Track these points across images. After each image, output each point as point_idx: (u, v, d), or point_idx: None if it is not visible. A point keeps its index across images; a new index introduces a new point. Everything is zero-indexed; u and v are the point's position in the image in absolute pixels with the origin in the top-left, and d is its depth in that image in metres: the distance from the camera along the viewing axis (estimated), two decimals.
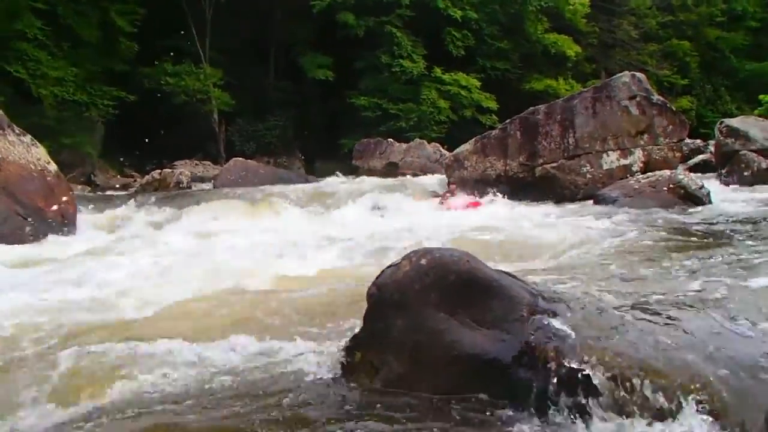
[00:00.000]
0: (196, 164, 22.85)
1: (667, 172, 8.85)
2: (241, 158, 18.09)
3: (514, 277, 2.46)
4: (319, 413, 2.15)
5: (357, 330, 2.49)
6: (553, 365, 2.03)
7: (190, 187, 15.23)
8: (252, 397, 2.34)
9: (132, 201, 10.75)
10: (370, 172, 19.36)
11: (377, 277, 2.42)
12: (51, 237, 7.34)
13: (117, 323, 3.38)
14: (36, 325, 3.35)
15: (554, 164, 10.72)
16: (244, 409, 2.23)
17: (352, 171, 21.21)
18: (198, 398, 2.34)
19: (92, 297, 4.08)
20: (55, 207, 7.91)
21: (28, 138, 8.15)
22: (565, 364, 2.01)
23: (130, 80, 21.03)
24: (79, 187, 16.36)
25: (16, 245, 6.76)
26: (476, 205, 9.82)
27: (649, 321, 2.28)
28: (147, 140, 20.21)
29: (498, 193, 10.28)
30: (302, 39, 26.31)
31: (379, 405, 2.17)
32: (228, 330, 3.03)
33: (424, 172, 17.64)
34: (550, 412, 1.98)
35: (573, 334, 2.15)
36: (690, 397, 1.80)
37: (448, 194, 10.66)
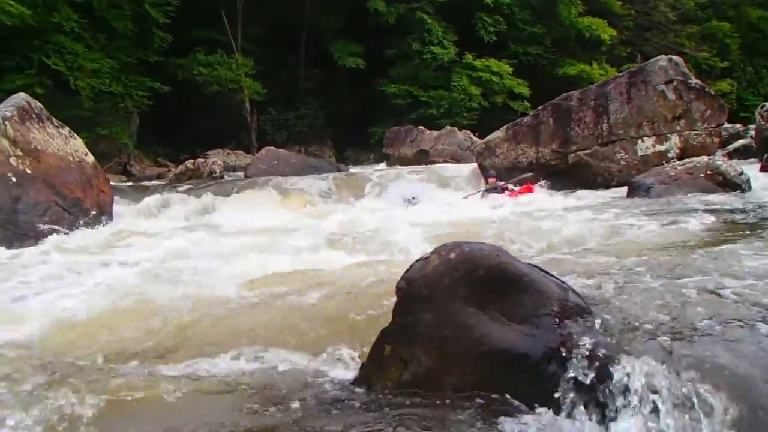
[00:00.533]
0: (229, 153, 23.12)
1: (704, 158, 8.60)
2: (272, 147, 18.24)
3: (544, 271, 2.42)
4: (346, 407, 2.17)
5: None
6: (584, 362, 2.00)
7: (222, 177, 15.42)
8: (280, 391, 2.37)
9: (166, 191, 10.95)
10: (401, 160, 19.34)
11: (406, 271, 2.41)
12: (88, 227, 7.50)
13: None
14: None
15: (588, 151, 10.55)
16: (273, 406, 2.26)
17: (383, 159, 21.23)
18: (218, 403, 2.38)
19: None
20: (92, 197, 8.11)
21: (66, 130, 8.35)
22: (597, 361, 1.98)
23: (163, 71, 21.31)
24: (116, 177, 16.70)
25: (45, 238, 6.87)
26: (513, 194, 9.69)
27: (688, 318, 2.23)
28: (180, 130, 20.36)
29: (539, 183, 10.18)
30: (333, 27, 26.31)
31: (406, 400, 2.18)
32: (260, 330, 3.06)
33: (455, 160, 17.54)
34: (581, 409, 1.95)
35: (605, 330, 2.12)
36: (727, 400, 1.75)
37: (478, 191, 10.36)
